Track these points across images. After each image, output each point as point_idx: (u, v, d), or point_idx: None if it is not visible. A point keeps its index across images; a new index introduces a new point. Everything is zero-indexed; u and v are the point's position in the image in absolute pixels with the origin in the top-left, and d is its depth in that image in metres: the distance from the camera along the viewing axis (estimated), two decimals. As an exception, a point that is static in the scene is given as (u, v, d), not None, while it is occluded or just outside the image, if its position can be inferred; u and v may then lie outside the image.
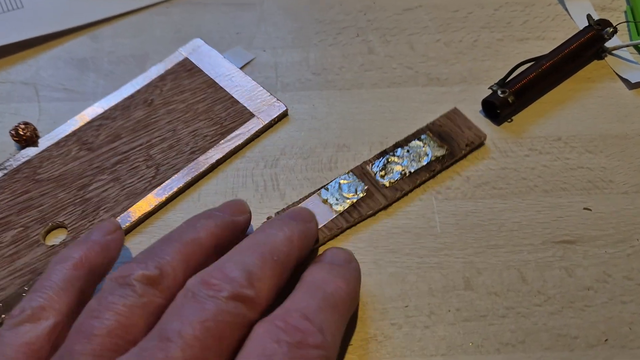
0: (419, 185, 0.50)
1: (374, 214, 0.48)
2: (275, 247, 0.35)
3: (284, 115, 0.55)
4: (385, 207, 0.48)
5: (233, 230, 0.41)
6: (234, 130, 0.54)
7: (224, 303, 0.31)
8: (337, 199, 0.48)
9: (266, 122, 0.54)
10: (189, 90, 0.57)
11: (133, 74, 0.59)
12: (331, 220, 0.47)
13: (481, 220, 0.48)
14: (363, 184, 0.49)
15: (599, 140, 0.53)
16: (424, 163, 0.50)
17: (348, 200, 0.48)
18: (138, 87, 0.57)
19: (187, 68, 0.59)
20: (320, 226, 0.46)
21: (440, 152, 0.50)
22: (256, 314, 0.32)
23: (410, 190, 0.49)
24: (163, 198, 0.50)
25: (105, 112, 0.56)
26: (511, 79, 0.54)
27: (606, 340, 0.42)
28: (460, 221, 0.48)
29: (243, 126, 0.54)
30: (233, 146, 0.52)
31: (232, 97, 0.56)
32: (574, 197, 0.49)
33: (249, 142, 0.54)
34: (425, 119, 0.54)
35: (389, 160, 0.50)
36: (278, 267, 0.34)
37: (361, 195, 0.48)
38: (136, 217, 0.49)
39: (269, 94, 0.56)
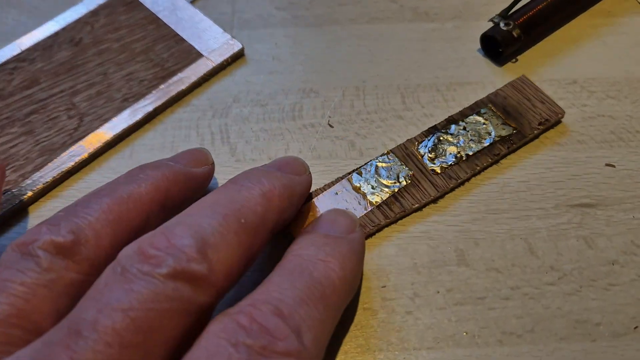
0: (479, 172, 0.39)
1: (420, 208, 0.38)
2: (245, 206, 0.26)
3: (239, 56, 0.45)
4: (435, 200, 0.38)
5: (189, 184, 0.31)
6: (177, 73, 0.44)
7: (161, 283, 0.22)
8: (373, 187, 0.37)
9: (217, 63, 0.44)
10: (126, 27, 0.47)
11: (61, 9, 0.49)
12: (365, 214, 0.36)
13: (479, 179, 0.39)
14: (407, 168, 0.38)
15: (623, 84, 0.43)
16: (486, 144, 0.39)
17: (387, 190, 0.37)
18: (64, 24, 0.47)
19: (125, 2, 0.49)
20: None
21: (506, 132, 0.40)
22: (210, 298, 0.24)
23: (468, 179, 0.39)
24: (86, 154, 0.40)
25: (22, 53, 0.46)
26: (517, 10, 0.44)
27: (636, 327, 0.33)
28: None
29: (189, 68, 0.44)
30: (175, 92, 0.43)
31: (177, 34, 0.46)
32: (593, 151, 0.40)
33: (195, 87, 0.44)
34: (413, 61, 0.44)
35: (441, 139, 0.39)
36: (246, 234, 0.26)
37: (404, 183, 0.38)
38: (51, 178, 0.39)
39: (222, 30, 0.46)
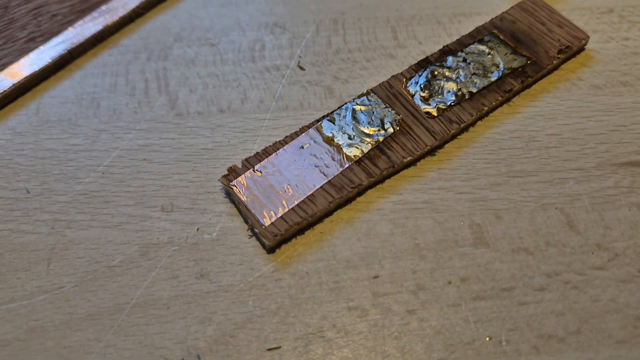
0: (487, 114, 0.30)
1: (413, 162, 0.29)
2: None
3: (183, -16, 0.35)
4: (432, 150, 0.29)
5: None
6: (100, 5, 0.33)
7: None
8: (350, 137, 0.28)
9: (154, -7, 0.34)
10: (37, -49, 0.36)
11: None
12: (341, 172, 0.27)
13: (496, 131, 0.29)
14: (394, 111, 0.29)
15: (670, 13, 0.34)
16: (494, 78, 0.30)
17: (369, 139, 0.28)
18: (-43, -52, 0.36)
19: None
20: (320, 184, 0.27)
21: (518, 62, 0.31)
22: None
23: (473, 123, 0.30)
24: (-24, 111, 0.30)
25: None
26: None
27: None
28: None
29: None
30: (98, 29, 0.33)
31: (103, -42, 0.36)
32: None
33: (126, 23, 0.34)
34: (403, -16, 0.34)
35: (435, 73, 0.30)
36: None
37: (391, 130, 0.29)
38: None
39: (161, -47, 0.36)
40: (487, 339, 0.24)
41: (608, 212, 0.27)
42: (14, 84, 0.31)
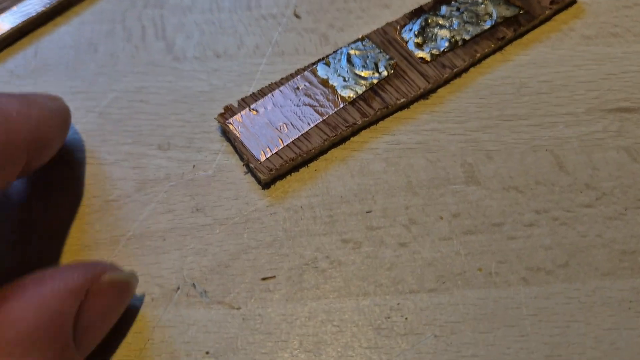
0: (480, 60, 0.31)
1: (407, 105, 0.29)
2: None
3: None
4: (425, 94, 0.29)
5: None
6: (98, -45, 0.34)
7: None
8: (345, 79, 0.29)
9: (151, -57, 0.34)
10: None
11: None
12: (336, 112, 0.28)
13: (489, 77, 0.30)
14: (388, 56, 0.30)
15: (661, -29, 0.35)
16: (486, 26, 0.31)
17: (363, 82, 0.29)
18: None
19: None
20: (315, 123, 0.27)
21: (510, 12, 0.31)
22: None
23: (466, 69, 0.30)
24: (-26, 53, 0.30)
25: None
26: None
27: (697, 259, 0.25)
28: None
29: (114, -51, 0.34)
30: (96, -23, 0.33)
31: None
32: (630, 45, 0.32)
33: (123, -28, 0.34)
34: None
35: (429, 21, 0.31)
36: None
37: (385, 73, 0.29)
38: None
39: None
40: (478, 270, 0.25)
41: (596, 154, 0.28)
42: (11, 27, 0.31)
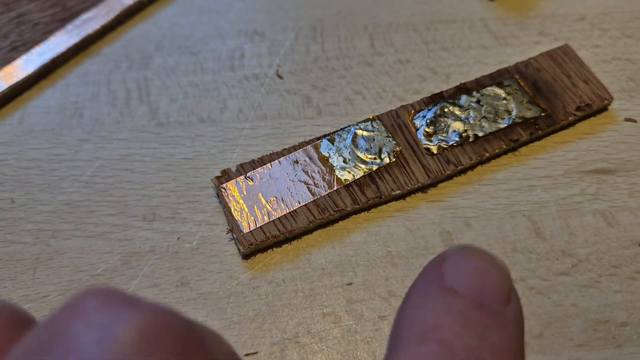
0: (488, 160, 0.30)
1: (402, 197, 0.29)
2: None
3: (163, -9, 0.36)
4: (423, 188, 0.29)
5: None
6: (82, 14, 0.34)
7: None
8: (345, 160, 0.29)
9: (136, 0, 0.35)
10: (18, -43, 0.37)
11: (-64, -64, 0.38)
12: (327, 194, 0.28)
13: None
14: (394, 142, 0.29)
15: (641, 20, 0.35)
16: (503, 125, 0.30)
17: (363, 166, 0.29)
18: (-62, -46, 0.37)
19: None
20: (305, 202, 0.28)
21: (532, 113, 0.30)
22: None
23: (472, 167, 0.30)
24: (-40, 121, 0.30)
25: None
26: None
27: (670, 325, 0.26)
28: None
29: (97, 7, 0.34)
30: (80, 38, 0.33)
31: (84, -35, 0.36)
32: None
33: (107, 31, 0.35)
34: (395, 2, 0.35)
35: (445, 110, 0.30)
36: None
37: (387, 160, 0.29)
38: None
39: (142, -40, 0.36)
40: (455, 343, 0.26)
41: (573, 219, 0.29)
42: (-2, 94, 0.32)
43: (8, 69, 0.32)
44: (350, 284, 0.27)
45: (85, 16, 0.34)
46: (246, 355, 0.25)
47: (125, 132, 0.31)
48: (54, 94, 0.32)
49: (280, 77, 0.33)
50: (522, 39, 0.34)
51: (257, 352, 0.25)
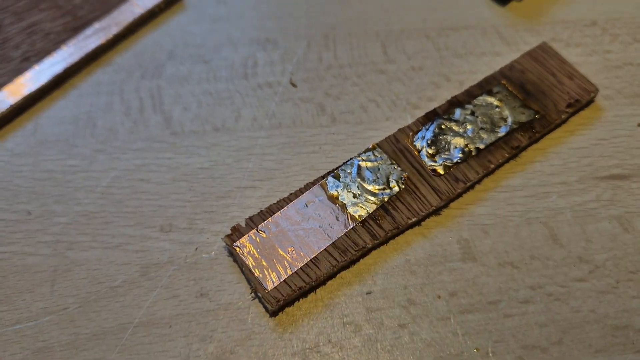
0: (493, 171, 0.30)
1: (418, 223, 0.29)
2: None
3: (175, 0, 0.36)
4: (437, 211, 0.29)
5: None
6: (93, 23, 0.34)
7: None
8: (355, 196, 0.28)
9: (146, 9, 0.35)
10: (28, -34, 0.36)
11: (-56, -54, 0.38)
12: (345, 234, 0.27)
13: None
14: (400, 169, 0.29)
15: (651, 25, 0.35)
16: (501, 133, 0.30)
17: (373, 199, 0.28)
18: (-53, -36, 0.37)
19: None
20: (324, 247, 0.27)
21: (526, 117, 0.30)
22: None
23: (479, 181, 0.30)
24: (-26, 132, 0.30)
25: None
26: None
27: (687, 330, 0.26)
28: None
29: (109, 16, 0.34)
30: (92, 47, 0.33)
31: (94, -27, 0.36)
32: (621, 108, 0.32)
33: (119, 40, 0.34)
34: (403, 4, 0.35)
35: (443, 127, 0.30)
36: None
37: (396, 189, 0.28)
38: None
39: (152, -32, 0.36)
40: (475, 350, 0.26)
41: (589, 225, 0.29)
42: (10, 105, 0.31)
43: (20, 79, 0.32)
44: (369, 292, 0.27)
45: (96, 25, 0.34)
46: (267, 365, 0.25)
47: (139, 142, 0.31)
48: (66, 105, 0.32)
49: (294, 85, 0.33)
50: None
51: (277, 363, 0.25)
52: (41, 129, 0.32)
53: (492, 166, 0.29)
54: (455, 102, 0.31)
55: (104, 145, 0.31)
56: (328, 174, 0.29)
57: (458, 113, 0.31)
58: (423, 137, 0.30)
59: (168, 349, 0.26)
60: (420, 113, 0.32)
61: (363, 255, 0.28)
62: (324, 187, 0.28)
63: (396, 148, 0.30)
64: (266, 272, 0.26)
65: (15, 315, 0.26)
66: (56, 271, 0.27)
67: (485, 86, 0.32)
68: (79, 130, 0.31)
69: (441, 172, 0.29)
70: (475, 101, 0.31)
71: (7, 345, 0.26)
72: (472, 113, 0.30)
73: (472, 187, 0.30)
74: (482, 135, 0.30)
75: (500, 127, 0.30)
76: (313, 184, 0.29)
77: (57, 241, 0.28)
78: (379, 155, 0.29)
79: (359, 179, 0.29)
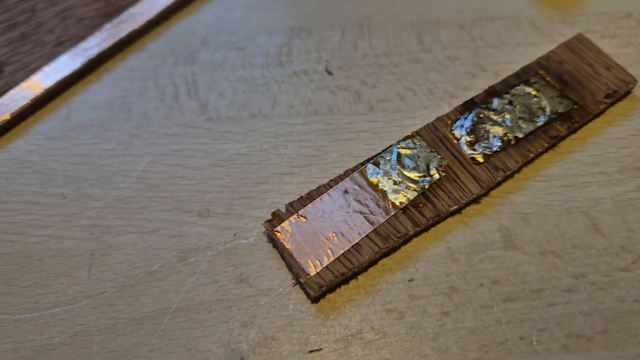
0: (532, 160, 0.30)
1: (458, 210, 0.28)
2: None
3: (207, -13, 0.36)
4: (477, 199, 0.29)
5: None
6: (127, 9, 0.34)
7: None
8: (395, 182, 0.28)
9: (179, -4, 0.34)
10: (59, -48, 0.36)
11: None
12: (386, 221, 0.27)
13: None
14: (439, 156, 0.29)
15: (685, 18, 0.35)
16: (540, 123, 0.30)
17: (414, 186, 0.28)
18: (-23, -51, 0.36)
19: None
20: (366, 233, 0.27)
21: (564, 107, 0.30)
22: None
23: (519, 169, 0.30)
24: (7, 116, 0.30)
25: None
26: None
27: None
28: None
29: (142, 3, 0.34)
30: (125, 33, 0.33)
31: (126, -40, 0.36)
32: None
33: (152, 26, 0.34)
34: (426, -12, 0.35)
35: (482, 116, 0.30)
36: None
37: (437, 176, 0.28)
38: (-40, 148, 0.29)
39: (184, -45, 0.36)
40: (519, 338, 0.25)
41: (630, 214, 0.28)
42: (45, 89, 0.31)
43: (54, 63, 0.32)
44: (411, 280, 0.27)
45: (130, 11, 0.34)
46: (310, 352, 0.25)
47: (175, 128, 0.31)
48: (101, 89, 0.32)
49: (330, 73, 0.32)
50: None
51: (321, 349, 0.25)
52: (75, 114, 0.31)
53: (532, 155, 0.29)
54: (493, 92, 0.31)
55: (139, 130, 0.31)
56: (367, 161, 0.29)
57: (496, 102, 0.30)
58: (462, 126, 0.30)
59: (208, 334, 0.25)
60: (457, 102, 0.31)
61: (404, 242, 0.27)
62: (363, 174, 0.28)
63: (435, 136, 0.29)
64: (308, 258, 0.26)
65: (53, 299, 0.26)
66: (93, 255, 0.27)
67: (522, 76, 0.31)
68: (114, 115, 0.31)
69: (481, 160, 0.29)
70: (513, 91, 0.31)
71: (44, 329, 0.25)
72: (510, 102, 0.30)
73: (511, 175, 0.29)
74: (520, 124, 0.30)
75: (539, 116, 0.30)
76: (352, 170, 0.28)
77: (93, 225, 0.28)
78: (418, 143, 0.29)
79: (399, 166, 0.28)
